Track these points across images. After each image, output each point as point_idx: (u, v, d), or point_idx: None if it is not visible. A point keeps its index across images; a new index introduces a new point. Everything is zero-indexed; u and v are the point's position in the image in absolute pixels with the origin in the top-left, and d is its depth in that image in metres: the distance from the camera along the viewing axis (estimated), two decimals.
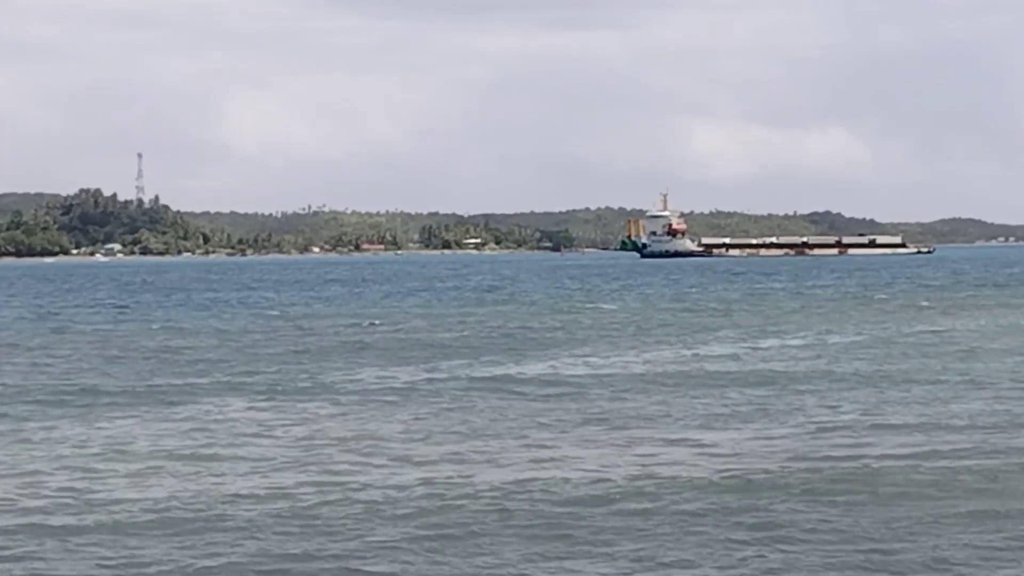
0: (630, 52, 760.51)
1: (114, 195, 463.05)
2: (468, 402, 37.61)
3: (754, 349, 53.93)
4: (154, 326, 75.28)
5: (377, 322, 76.19)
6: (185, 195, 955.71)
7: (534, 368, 46.94)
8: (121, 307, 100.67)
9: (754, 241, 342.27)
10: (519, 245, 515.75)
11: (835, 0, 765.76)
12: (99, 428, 33.44)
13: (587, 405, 36.81)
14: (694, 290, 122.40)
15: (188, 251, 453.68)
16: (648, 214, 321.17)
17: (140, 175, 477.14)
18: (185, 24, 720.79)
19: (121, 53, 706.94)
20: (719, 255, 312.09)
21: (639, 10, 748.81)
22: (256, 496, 24.46)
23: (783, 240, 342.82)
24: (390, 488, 24.97)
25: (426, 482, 25.49)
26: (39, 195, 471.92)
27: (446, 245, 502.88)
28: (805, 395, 38.49)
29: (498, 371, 46.07)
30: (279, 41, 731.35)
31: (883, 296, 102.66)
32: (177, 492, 24.86)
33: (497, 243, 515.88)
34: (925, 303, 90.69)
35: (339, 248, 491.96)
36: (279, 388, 41.90)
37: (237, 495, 24.49)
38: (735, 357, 50.44)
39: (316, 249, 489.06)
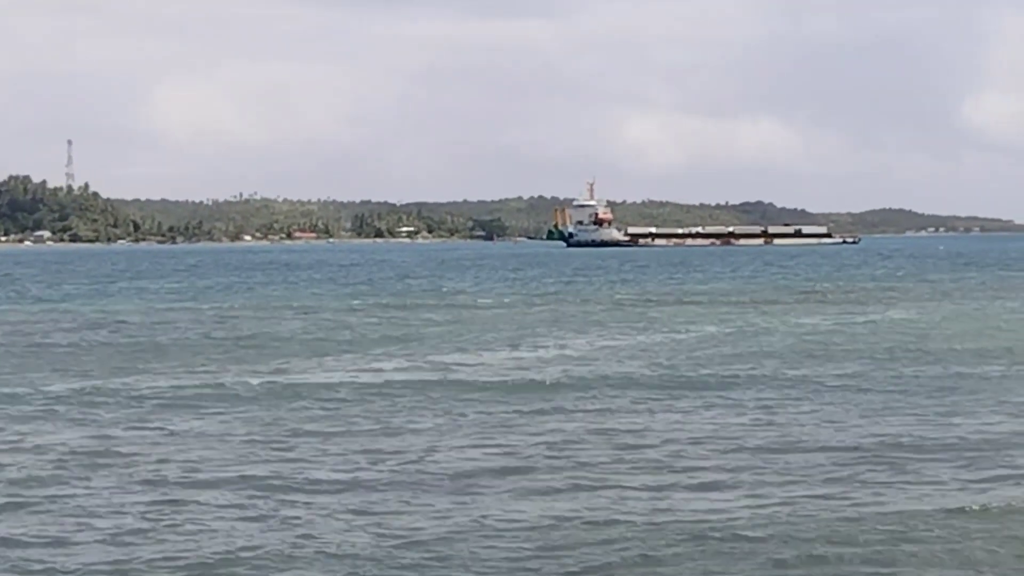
0: (562, 41, 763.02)
1: (43, 182, 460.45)
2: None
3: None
4: None
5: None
6: (116, 182, 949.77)
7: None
8: None
9: (680, 231, 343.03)
10: (452, 234, 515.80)
11: None
12: None
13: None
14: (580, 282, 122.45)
15: (120, 239, 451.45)
16: (575, 203, 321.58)
17: (70, 162, 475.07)
18: (115, 10, 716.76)
19: (51, 39, 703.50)
20: (645, 245, 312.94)
21: None
22: None
23: (709, 230, 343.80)
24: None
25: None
26: None
27: (378, 234, 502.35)
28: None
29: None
30: (209, 27, 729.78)
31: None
32: None
33: (430, 232, 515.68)
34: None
35: (271, 236, 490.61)
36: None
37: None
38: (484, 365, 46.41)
39: (248, 237, 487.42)
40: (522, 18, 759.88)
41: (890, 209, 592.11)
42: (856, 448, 28.22)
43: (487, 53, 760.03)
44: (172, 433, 30.99)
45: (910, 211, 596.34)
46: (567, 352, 50.76)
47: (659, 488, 24.43)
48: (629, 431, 30.91)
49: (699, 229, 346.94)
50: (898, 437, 29.52)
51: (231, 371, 43.69)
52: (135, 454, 28.08)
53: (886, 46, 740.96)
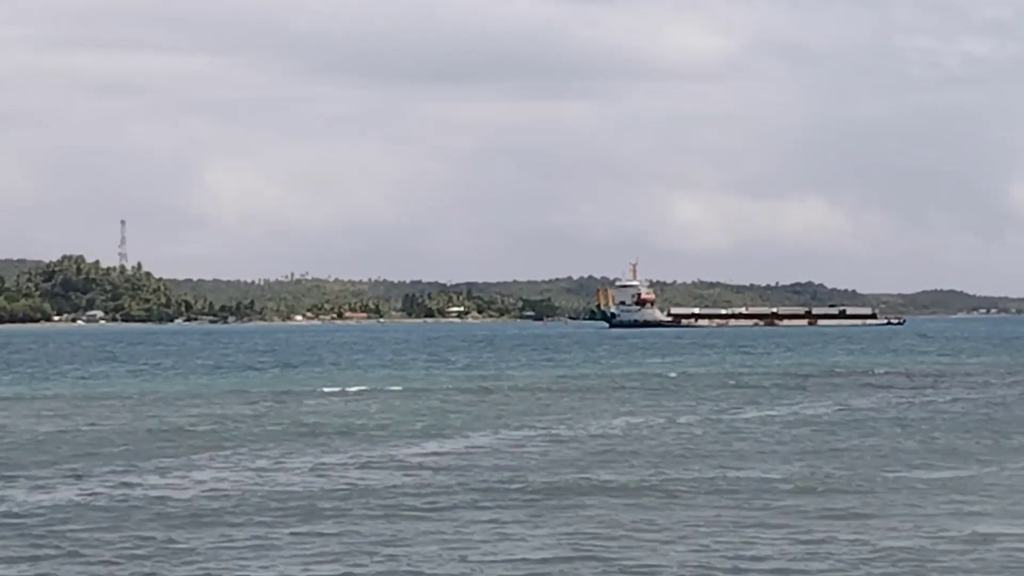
0: (608, 122, 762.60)
1: (96, 262, 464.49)
2: None
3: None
4: None
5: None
6: (167, 262, 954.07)
7: None
8: None
9: (723, 311, 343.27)
10: (502, 314, 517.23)
11: (811, 71, 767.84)
12: None
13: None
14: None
15: (172, 319, 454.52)
16: (617, 284, 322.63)
17: (123, 242, 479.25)
18: (164, 92, 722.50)
19: (103, 120, 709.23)
20: (688, 325, 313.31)
21: (617, 81, 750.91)
22: None
23: (753, 311, 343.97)
24: None
25: None
26: (21, 261, 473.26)
27: (429, 314, 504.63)
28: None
29: None
30: (258, 110, 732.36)
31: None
32: None
33: (480, 312, 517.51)
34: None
35: (321, 316, 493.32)
36: None
37: None
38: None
39: (299, 317, 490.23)
40: (569, 100, 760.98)
41: (940, 290, 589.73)
42: None
43: (535, 134, 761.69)
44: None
45: (961, 292, 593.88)
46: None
47: None
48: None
49: (743, 310, 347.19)
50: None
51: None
52: None
53: (932, 127, 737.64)
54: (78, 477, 38.69)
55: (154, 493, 35.16)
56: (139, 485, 36.83)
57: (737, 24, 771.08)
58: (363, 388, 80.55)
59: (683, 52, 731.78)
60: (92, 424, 56.53)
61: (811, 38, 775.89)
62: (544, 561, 26.14)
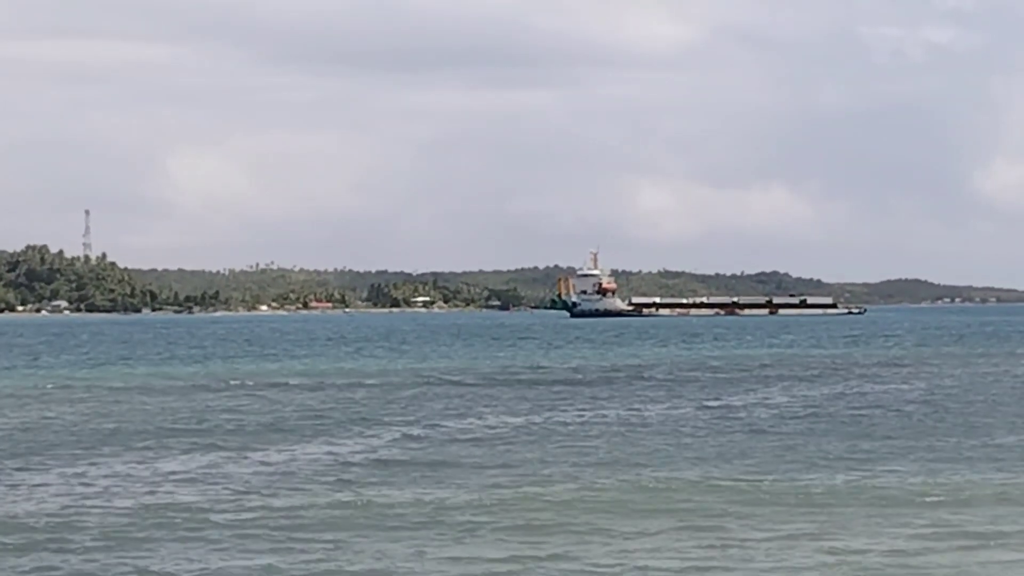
0: (572, 111, 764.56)
1: (61, 252, 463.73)
2: None
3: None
4: None
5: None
6: (132, 252, 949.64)
7: None
8: None
9: (685, 301, 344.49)
10: (467, 304, 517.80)
11: (774, 59, 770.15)
12: None
13: None
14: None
15: (136, 309, 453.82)
16: (578, 273, 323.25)
17: (87, 232, 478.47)
18: (128, 81, 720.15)
19: (66, 109, 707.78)
20: (649, 314, 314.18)
21: (579, 69, 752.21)
22: None
23: (714, 300, 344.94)
24: None
25: None
26: None
27: (394, 303, 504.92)
28: None
29: None
30: (221, 98, 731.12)
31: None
32: None
33: (445, 302, 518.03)
34: None
35: (287, 306, 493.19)
36: None
37: None
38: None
39: (264, 307, 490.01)
40: (532, 88, 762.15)
41: (905, 279, 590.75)
42: None
43: (499, 123, 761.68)
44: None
45: (925, 281, 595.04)
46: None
47: None
48: None
49: (704, 299, 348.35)
50: None
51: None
52: None
53: (894, 116, 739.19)
54: None
55: (77, 490, 34.37)
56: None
57: (700, 12, 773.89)
58: (307, 380, 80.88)
59: (646, 40, 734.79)
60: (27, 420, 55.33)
61: (774, 26, 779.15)
62: (489, 561, 25.64)
